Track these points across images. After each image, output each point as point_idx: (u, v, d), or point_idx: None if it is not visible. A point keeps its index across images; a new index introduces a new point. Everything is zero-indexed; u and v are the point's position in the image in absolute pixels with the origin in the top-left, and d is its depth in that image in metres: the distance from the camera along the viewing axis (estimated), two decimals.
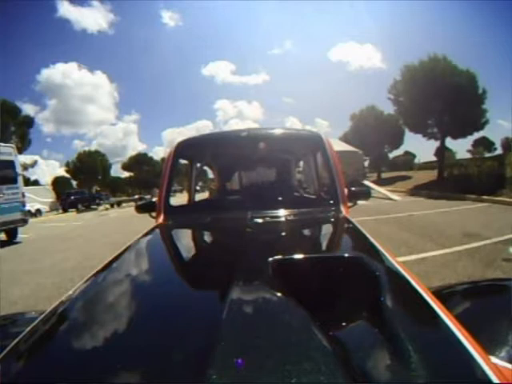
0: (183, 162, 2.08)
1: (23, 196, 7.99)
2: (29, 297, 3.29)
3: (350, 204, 1.54)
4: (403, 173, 22.41)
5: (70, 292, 0.69)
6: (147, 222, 1.58)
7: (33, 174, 32.56)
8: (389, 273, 0.65)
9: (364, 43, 78.03)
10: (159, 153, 53.66)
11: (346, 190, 1.50)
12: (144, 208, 1.80)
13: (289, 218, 1.32)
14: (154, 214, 1.63)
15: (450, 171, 12.74)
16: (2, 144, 7.95)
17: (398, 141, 24.71)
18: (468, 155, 25.91)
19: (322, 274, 0.67)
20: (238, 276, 0.62)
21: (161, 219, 1.46)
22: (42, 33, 69.49)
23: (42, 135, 48.15)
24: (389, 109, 20.77)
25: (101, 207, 23.25)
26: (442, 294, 0.80)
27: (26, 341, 0.54)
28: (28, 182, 25.69)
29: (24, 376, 0.45)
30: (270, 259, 0.68)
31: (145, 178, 37.27)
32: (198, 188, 3.06)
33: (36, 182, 32.80)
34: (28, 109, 49.88)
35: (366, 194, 1.74)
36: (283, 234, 1.25)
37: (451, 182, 11.50)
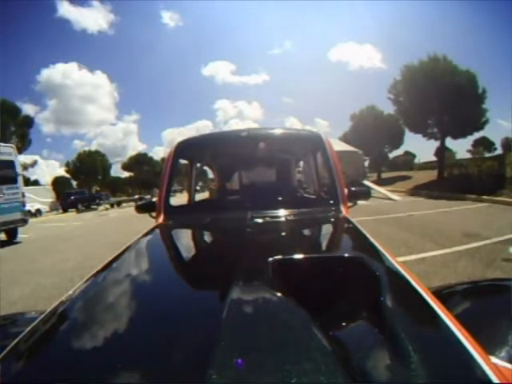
0: (183, 162, 2.08)
1: (23, 196, 7.99)
2: (29, 297, 3.29)
3: (350, 204, 1.54)
4: (403, 173, 22.42)
5: (70, 292, 0.69)
6: (147, 221, 1.58)
7: (33, 174, 32.67)
8: (389, 273, 0.65)
9: (364, 43, 78.09)
10: (159, 153, 53.59)
11: (346, 190, 1.50)
12: (144, 208, 1.81)
13: (289, 217, 1.32)
14: (153, 214, 1.63)
15: (450, 171, 12.77)
16: (2, 144, 7.96)
17: (397, 141, 24.71)
18: (468, 155, 25.76)
19: (322, 274, 0.67)
20: (238, 276, 0.62)
21: (161, 219, 1.46)
22: (42, 33, 69.43)
23: (42, 135, 48.19)
24: (389, 109, 20.87)
25: (101, 207, 23.23)
26: (441, 294, 0.80)
27: (26, 341, 0.54)
28: (28, 182, 25.69)
29: (24, 376, 0.45)
30: (270, 259, 0.68)
31: (145, 178, 37.26)
32: (198, 188, 3.06)
33: (36, 182, 32.78)
34: (28, 109, 49.61)
35: (366, 193, 1.74)
36: (283, 234, 1.25)
37: (451, 182, 11.52)
